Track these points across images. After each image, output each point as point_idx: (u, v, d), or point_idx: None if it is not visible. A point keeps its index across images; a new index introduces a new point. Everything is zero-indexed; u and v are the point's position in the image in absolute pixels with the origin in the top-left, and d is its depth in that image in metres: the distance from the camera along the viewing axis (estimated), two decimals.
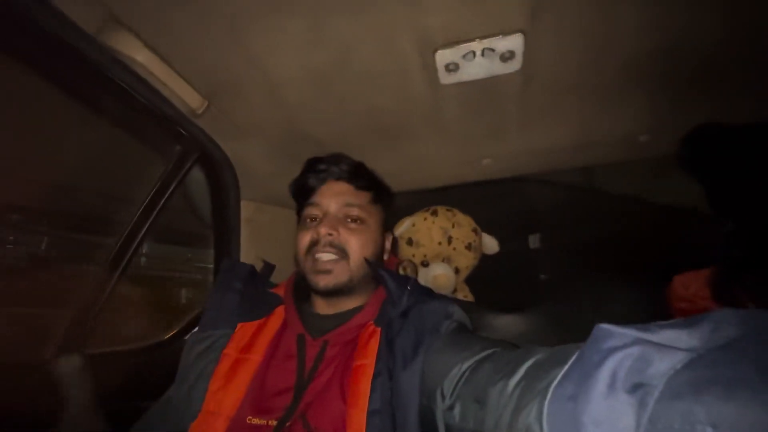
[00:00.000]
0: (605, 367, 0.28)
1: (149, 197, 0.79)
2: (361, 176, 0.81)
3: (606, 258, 1.06)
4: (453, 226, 1.14)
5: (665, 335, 0.28)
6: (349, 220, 0.75)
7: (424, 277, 1.10)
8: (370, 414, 0.56)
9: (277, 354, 0.68)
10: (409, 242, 1.15)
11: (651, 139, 0.93)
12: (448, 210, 1.18)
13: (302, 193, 0.80)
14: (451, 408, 0.50)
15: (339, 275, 0.70)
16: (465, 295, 1.18)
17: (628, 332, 0.29)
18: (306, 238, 0.73)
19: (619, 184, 1.14)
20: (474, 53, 0.65)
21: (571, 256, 1.19)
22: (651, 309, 0.71)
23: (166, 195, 0.81)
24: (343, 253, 0.71)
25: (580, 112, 0.85)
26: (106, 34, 0.60)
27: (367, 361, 0.61)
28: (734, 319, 0.26)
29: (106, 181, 0.83)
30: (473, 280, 1.25)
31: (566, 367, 0.32)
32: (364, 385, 0.58)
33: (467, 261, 1.15)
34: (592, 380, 0.28)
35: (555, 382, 0.32)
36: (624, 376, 0.27)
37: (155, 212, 0.80)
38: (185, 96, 0.70)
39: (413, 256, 1.15)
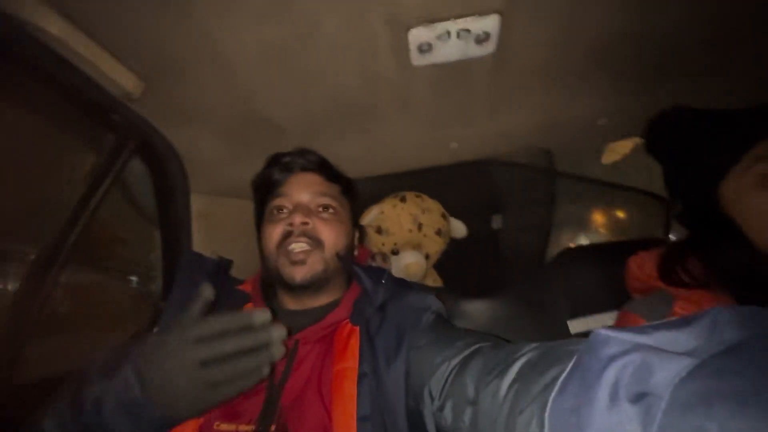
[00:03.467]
0: (606, 377, 0.27)
1: (80, 197, 0.67)
2: (330, 168, 0.78)
3: (566, 235, 1.12)
4: (423, 212, 1.13)
5: (662, 337, 0.28)
6: (321, 210, 0.72)
7: (396, 266, 1.08)
8: (360, 420, 0.53)
9: None
10: (378, 231, 1.12)
11: (608, 122, 0.96)
12: (417, 196, 1.16)
13: (266, 186, 0.75)
14: (441, 409, 0.49)
15: (314, 265, 0.66)
16: (434, 280, 1.19)
17: (627, 337, 0.29)
18: (277, 231, 0.68)
19: (577, 166, 1.19)
20: (449, 33, 0.61)
21: (532, 235, 1.24)
22: (614, 285, 0.75)
23: (100, 193, 0.69)
24: (317, 242, 0.68)
25: (546, 95, 0.85)
26: (12, 2, 0.48)
27: (349, 364, 0.58)
28: (732, 318, 0.26)
29: (21, 181, 0.69)
30: (439, 262, 1.26)
31: (563, 375, 0.31)
32: (349, 390, 0.56)
33: (437, 247, 1.15)
34: (594, 392, 0.27)
35: (553, 393, 0.31)
36: (626, 385, 0.26)
37: (88, 213, 0.68)
38: (118, 77, 0.59)
39: (383, 244, 1.13)
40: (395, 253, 1.11)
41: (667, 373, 0.24)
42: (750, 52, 0.72)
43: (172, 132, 0.77)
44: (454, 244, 1.26)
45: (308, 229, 0.68)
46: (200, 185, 0.91)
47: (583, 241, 1.38)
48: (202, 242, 0.96)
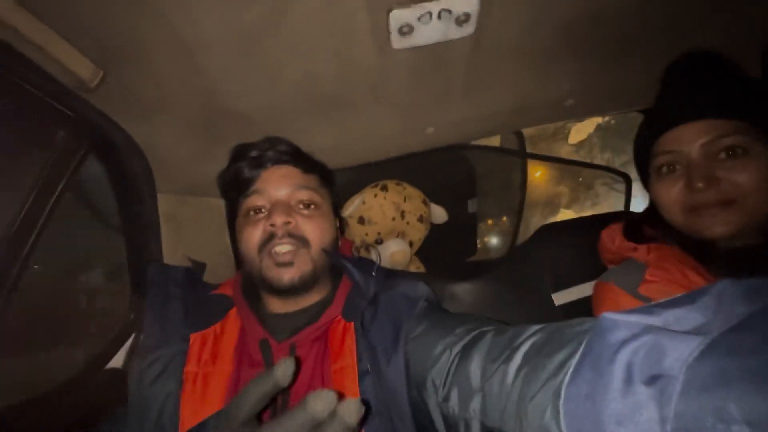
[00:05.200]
0: (618, 361, 0.27)
1: (27, 204, 0.58)
2: (305, 157, 0.73)
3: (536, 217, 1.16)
4: (405, 200, 1.12)
5: (669, 316, 0.28)
6: (302, 206, 0.67)
7: (380, 255, 1.07)
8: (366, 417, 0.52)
9: (242, 362, 0.61)
10: (361, 221, 1.11)
11: (575, 103, 1.00)
12: (397, 184, 1.15)
13: (236, 185, 0.69)
14: (446, 399, 0.48)
15: (302, 266, 0.63)
16: (417, 267, 1.20)
17: (635, 319, 0.29)
18: (256, 233, 0.64)
19: (547, 147, 1.23)
20: (430, 14, 0.60)
21: (508, 214, 1.28)
22: (592, 256, 0.79)
23: (53, 198, 0.62)
24: (302, 241, 0.64)
25: (518, 77, 0.87)
26: None
27: (347, 362, 0.57)
28: (737, 292, 0.26)
29: None
30: (420, 249, 1.26)
31: (574, 362, 0.31)
32: (351, 388, 0.54)
33: (420, 233, 1.16)
34: (607, 377, 0.27)
35: (566, 381, 0.30)
36: (640, 368, 0.26)
37: (40, 224, 0.60)
38: (71, 64, 0.52)
39: (366, 235, 1.11)
40: (379, 242, 1.10)
41: (679, 354, 0.24)
42: (706, 29, 0.77)
43: (134, 126, 0.70)
44: (432, 230, 1.27)
45: (292, 229, 0.64)
46: (166, 184, 0.85)
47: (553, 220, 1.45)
48: (170, 246, 0.89)
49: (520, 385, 0.37)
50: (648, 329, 0.27)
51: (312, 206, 0.68)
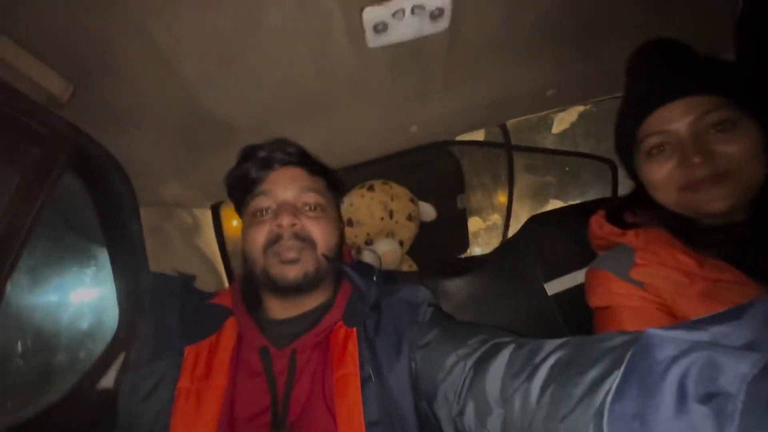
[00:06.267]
0: (670, 378, 0.25)
1: (2, 225, 0.56)
2: (312, 160, 0.73)
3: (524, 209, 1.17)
4: (392, 199, 1.12)
5: (716, 331, 0.27)
6: (308, 208, 0.67)
7: (371, 256, 1.06)
8: (370, 425, 0.51)
9: (239, 374, 0.59)
10: (349, 223, 1.10)
11: (556, 93, 1.01)
12: (384, 183, 1.15)
13: (243, 185, 0.69)
14: (461, 413, 0.46)
15: (307, 264, 0.62)
16: (410, 265, 1.19)
17: (683, 336, 0.27)
18: (262, 234, 0.63)
19: (532, 138, 1.25)
20: (403, 11, 0.60)
21: (497, 207, 1.28)
22: (582, 244, 0.79)
23: (29, 219, 0.60)
24: (309, 242, 0.64)
25: (497, 69, 0.87)
26: None
27: (350, 369, 0.56)
28: None
29: None
30: (411, 248, 1.26)
31: (617, 380, 0.29)
32: (354, 396, 0.53)
33: (409, 232, 1.15)
34: (658, 396, 0.25)
35: (609, 399, 0.28)
36: (693, 386, 0.24)
37: (17, 248, 0.58)
38: (40, 79, 0.50)
39: (355, 236, 1.11)
40: (369, 243, 1.09)
41: (736, 371, 0.23)
42: (677, 13, 0.78)
43: (110, 139, 0.69)
44: (422, 228, 1.27)
45: (298, 230, 0.63)
46: (149, 197, 0.83)
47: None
48: (156, 260, 0.87)
49: (548, 404, 0.35)
50: (698, 345, 0.26)
51: (318, 209, 0.67)
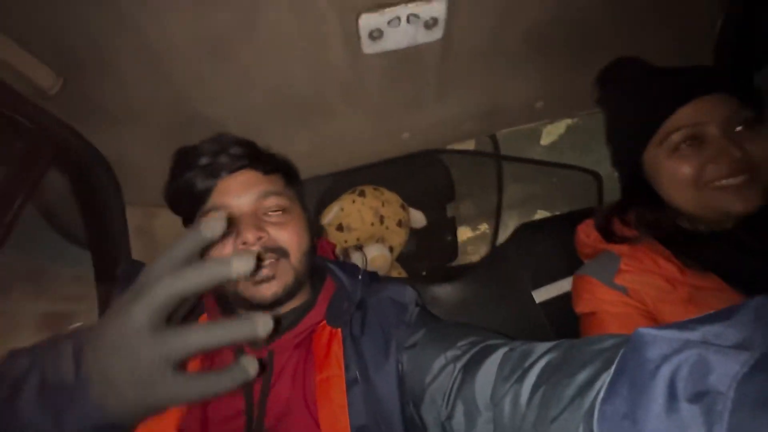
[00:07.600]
0: (660, 377, 0.25)
1: None
2: (264, 157, 0.64)
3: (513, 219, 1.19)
4: (383, 205, 1.12)
5: (708, 331, 0.27)
6: (270, 213, 0.60)
7: (360, 261, 1.06)
8: (356, 430, 0.50)
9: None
10: (340, 228, 1.10)
11: (544, 105, 1.03)
12: (375, 189, 1.16)
13: (188, 200, 0.61)
14: (450, 417, 0.45)
15: (283, 277, 0.57)
16: (399, 272, 1.19)
17: (674, 335, 0.27)
18: (225, 254, 0.57)
19: (521, 149, 1.27)
20: (399, 19, 0.61)
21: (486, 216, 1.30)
22: (569, 252, 0.80)
23: (11, 215, 0.58)
24: (280, 252, 0.58)
25: (488, 80, 0.89)
26: None
27: (333, 371, 0.54)
28: None
29: None
30: (401, 255, 1.26)
31: (608, 379, 0.29)
32: (339, 399, 0.51)
33: (400, 238, 1.16)
34: (648, 394, 0.25)
35: (600, 398, 0.28)
36: (683, 385, 0.24)
37: None
38: (28, 70, 0.49)
39: (345, 241, 1.10)
40: (359, 248, 1.09)
41: (726, 369, 0.23)
42: (660, 27, 0.81)
43: (97, 136, 0.67)
44: (412, 236, 1.27)
45: (266, 243, 0.57)
46: (135, 196, 0.81)
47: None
48: (141, 261, 0.85)
49: (538, 406, 0.35)
50: (689, 344, 0.26)
51: (282, 211, 0.61)
